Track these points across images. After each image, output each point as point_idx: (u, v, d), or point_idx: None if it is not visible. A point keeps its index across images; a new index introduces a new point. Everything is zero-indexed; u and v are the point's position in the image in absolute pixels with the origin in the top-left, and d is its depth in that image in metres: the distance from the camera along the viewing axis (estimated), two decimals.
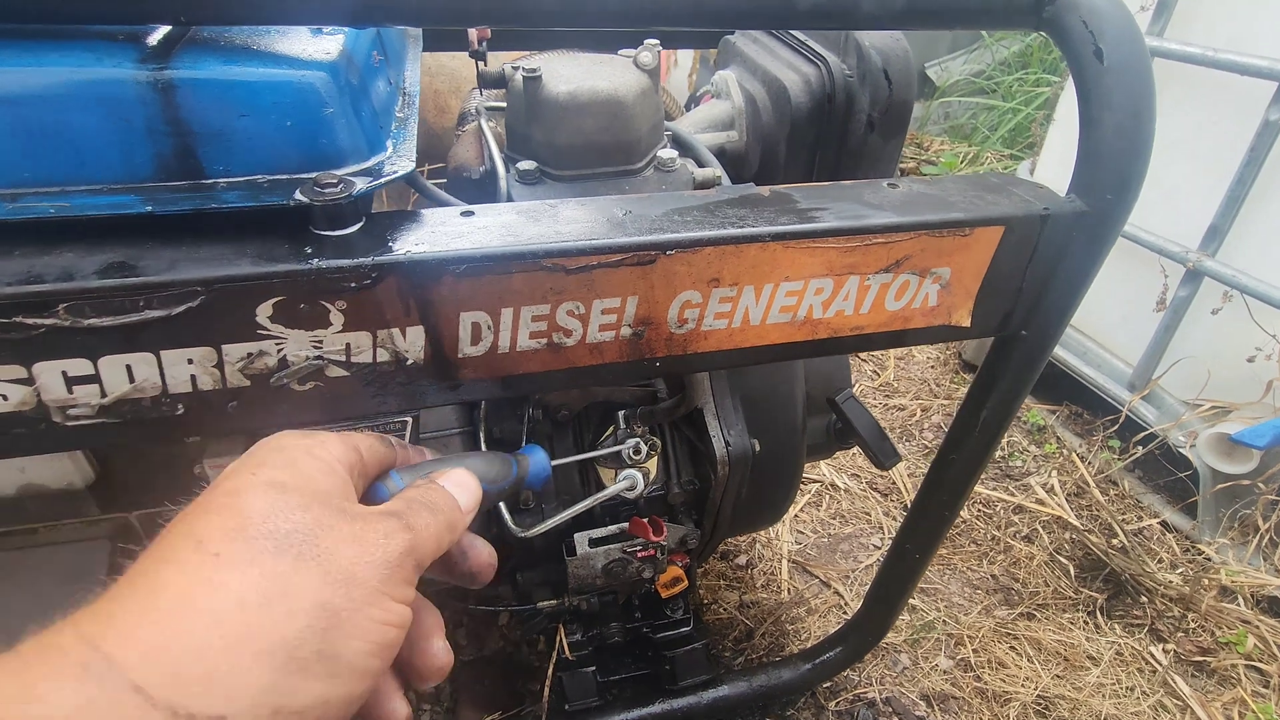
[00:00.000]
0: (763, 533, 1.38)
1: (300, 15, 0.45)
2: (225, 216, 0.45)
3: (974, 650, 1.18)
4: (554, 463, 0.57)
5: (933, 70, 3.06)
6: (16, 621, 0.27)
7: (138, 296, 0.41)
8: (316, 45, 0.49)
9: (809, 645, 1.12)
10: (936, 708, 1.11)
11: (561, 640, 0.99)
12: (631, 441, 0.78)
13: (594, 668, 1.01)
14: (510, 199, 0.68)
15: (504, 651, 1.15)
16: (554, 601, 0.89)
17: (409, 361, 0.49)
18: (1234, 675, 1.17)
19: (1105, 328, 1.61)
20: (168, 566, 0.29)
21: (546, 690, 0.98)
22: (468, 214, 0.50)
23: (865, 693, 1.12)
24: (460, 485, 0.41)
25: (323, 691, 0.29)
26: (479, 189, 0.75)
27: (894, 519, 1.44)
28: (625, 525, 0.83)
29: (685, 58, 2.48)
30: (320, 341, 0.46)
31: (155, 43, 0.45)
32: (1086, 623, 1.25)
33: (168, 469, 0.60)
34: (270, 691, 0.27)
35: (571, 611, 0.98)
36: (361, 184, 0.46)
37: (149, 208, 0.43)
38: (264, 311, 0.44)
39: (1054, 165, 1.69)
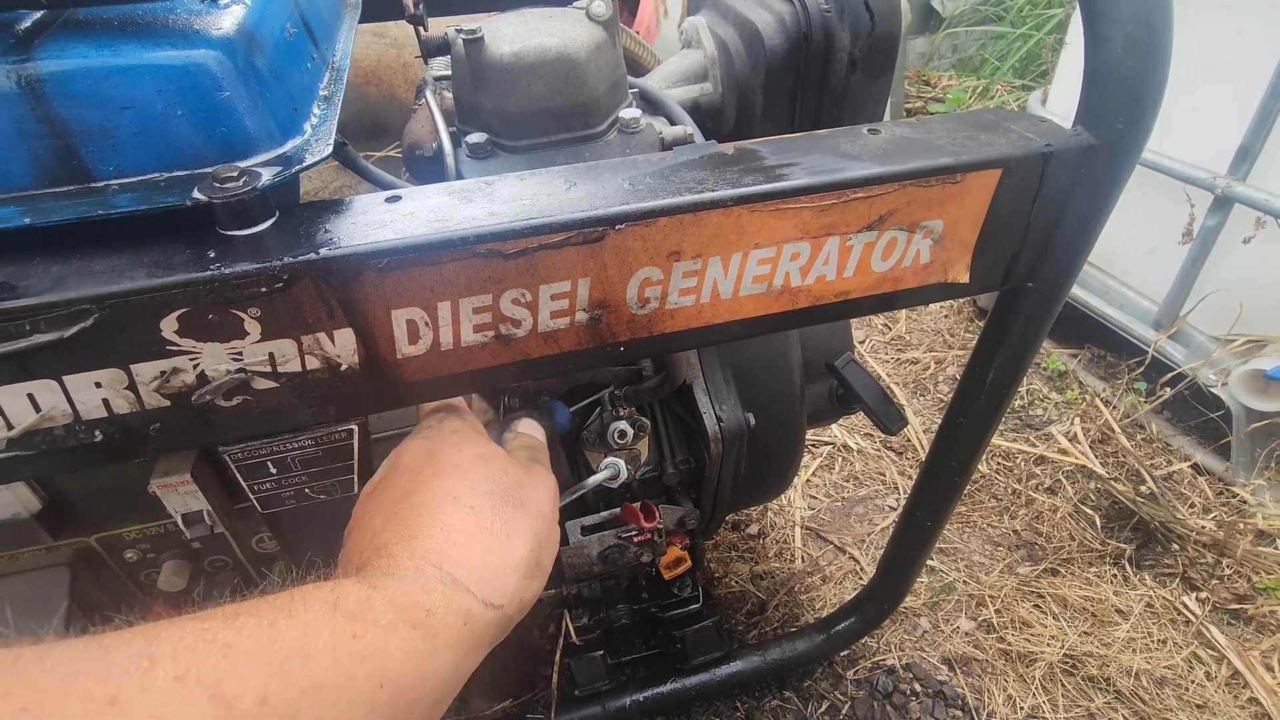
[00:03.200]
0: (774, 500, 1.34)
1: None
2: (125, 222, 0.41)
3: (996, 610, 1.15)
4: None
5: (937, 1, 2.89)
6: None
7: (23, 320, 0.37)
8: (208, 21, 0.43)
9: (824, 615, 1.08)
10: (959, 671, 1.08)
11: (568, 626, 0.97)
12: (616, 425, 0.74)
13: (603, 651, 0.99)
14: (460, 176, 0.62)
15: (515, 637, 1.13)
16: (552, 591, 0.87)
17: (343, 367, 0.45)
18: (1273, 622, 1.12)
19: (1127, 264, 1.52)
20: (443, 512, 0.43)
21: (554, 677, 0.96)
22: (393, 199, 0.45)
23: (884, 660, 1.09)
24: (535, 429, 0.58)
25: (536, 587, 0.46)
26: (433, 167, 0.70)
27: (909, 478, 1.39)
28: (618, 510, 0.80)
29: (675, 6, 2.34)
30: (239, 353, 0.42)
31: (21, 32, 0.40)
32: (1114, 576, 1.20)
33: (120, 491, 0.57)
34: (518, 590, 0.44)
35: (574, 598, 0.95)
36: (268, 175, 0.42)
37: (27, 220, 0.38)
38: (169, 326, 0.39)
39: (1068, 91, 1.58)
